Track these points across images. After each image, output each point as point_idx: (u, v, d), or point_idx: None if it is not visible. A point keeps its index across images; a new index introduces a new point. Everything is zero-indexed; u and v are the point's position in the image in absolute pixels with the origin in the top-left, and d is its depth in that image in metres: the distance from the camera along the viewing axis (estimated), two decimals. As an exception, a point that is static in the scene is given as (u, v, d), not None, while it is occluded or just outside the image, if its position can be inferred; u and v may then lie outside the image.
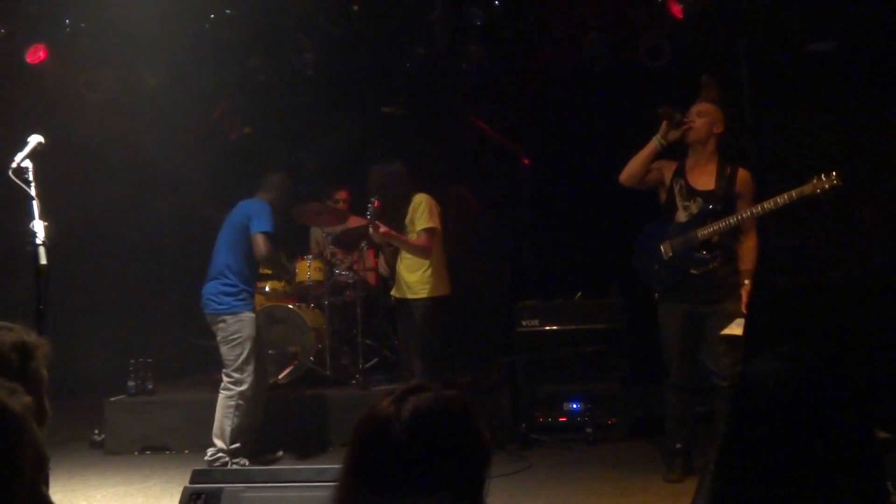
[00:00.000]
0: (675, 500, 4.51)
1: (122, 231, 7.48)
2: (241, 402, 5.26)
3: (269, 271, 6.39)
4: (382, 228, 5.17)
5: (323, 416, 5.91)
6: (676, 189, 4.83)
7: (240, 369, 5.29)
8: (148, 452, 5.92)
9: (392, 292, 5.52)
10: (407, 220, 5.34)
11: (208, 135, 7.08)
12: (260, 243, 5.37)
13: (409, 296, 5.34)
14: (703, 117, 4.78)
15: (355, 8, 6.78)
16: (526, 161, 7.14)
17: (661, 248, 4.80)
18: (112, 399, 6.10)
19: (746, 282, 4.58)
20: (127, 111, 6.80)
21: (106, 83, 6.65)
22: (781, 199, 4.35)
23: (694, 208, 4.73)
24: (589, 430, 5.72)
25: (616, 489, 4.80)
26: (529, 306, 6.06)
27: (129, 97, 6.79)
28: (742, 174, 4.73)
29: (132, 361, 6.19)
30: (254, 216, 5.44)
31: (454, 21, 6.94)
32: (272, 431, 5.77)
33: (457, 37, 7.02)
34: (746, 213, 4.50)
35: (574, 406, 5.84)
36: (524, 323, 5.99)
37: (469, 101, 6.96)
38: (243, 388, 5.27)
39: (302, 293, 6.66)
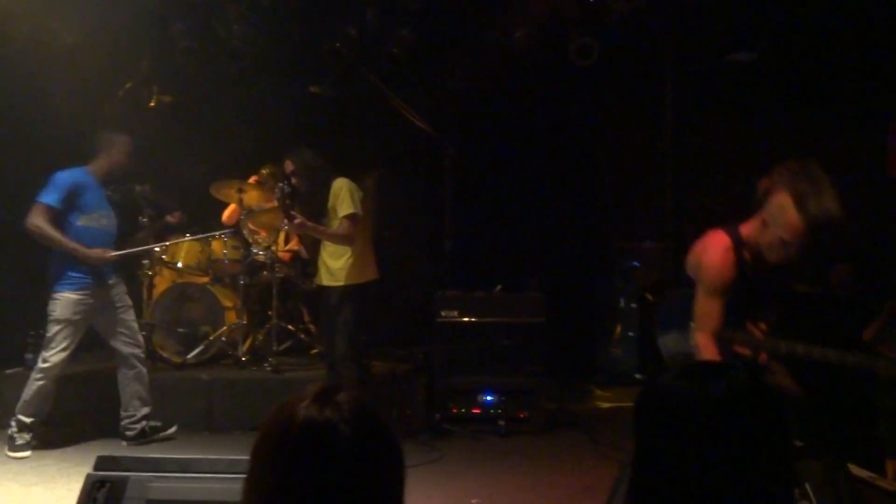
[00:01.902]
0: (584, 495, 4.59)
1: (23, 197, 7.09)
2: (42, 381, 5.10)
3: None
4: (298, 220, 5.08)
5: (233, 399, 5.77)
6: None
7: (46, 347, 5.10)
8: (44, 428, 5.64)
9: (315, 279, 5.44)
10: (329, 206, 5.25)
11: (125, 101, 6.77)
12: (30, 213, 5.05)
13: (332, 283, 5.27)
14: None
15: (287, -20, 6.61)
16: (450, 150, 7.11)
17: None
18: (8, 371, 5.81)
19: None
20: (37, 70, 6.43)
21: (15, 36, 6.27)
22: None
23: None
24: (501, 422, 5.77)
25: (525, 482, 4.86)
26: (449, 297, 6.06)
27: (40, 54, 6.43)
28: None
29: (31, 333, 5.89)
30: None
31: (388, 4, 6.86)
32: (178, 410, 5.61)
33: (389, 20, 6.93)
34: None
35: (488, 398, 5.88)
36: (443, 313, 5.99)
37: (397, 87, 6.88)
38: (46, 366, 5.10)
39: (217, 271, 6.48)
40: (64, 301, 5.09)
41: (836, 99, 6.74)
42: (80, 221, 5.15)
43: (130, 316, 5.38)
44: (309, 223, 5.15)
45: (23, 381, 5.73)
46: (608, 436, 5.62)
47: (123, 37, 6.60)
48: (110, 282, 5.29)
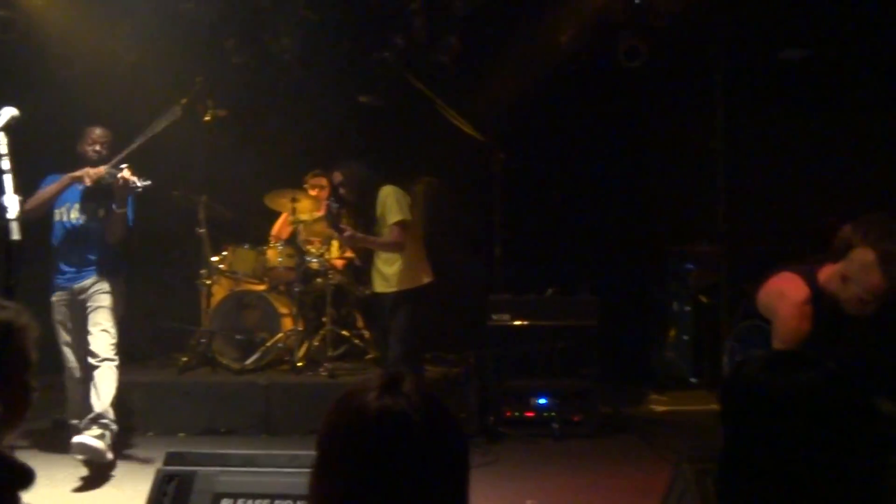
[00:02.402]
0: (639, 497, 4.56)
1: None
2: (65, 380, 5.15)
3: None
4: (348, 232, 5.17)
5: (290, 403, 5.87)
6: None
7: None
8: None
9: (370, 285, 5.51)
10: (378, 215, 5.32)
11: (181, 116, 6.96)
12: None
13: (386, 289, 5.34)
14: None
15: (334, -6, 6.75)
16: (501, 155, 7.15)
17: None
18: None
19: None
20: (100, 88, 6.68)
21: (79, 58, 6.52)
22: None
23: None
24: (556, 425, 5.76)
25: (581, 484, 4.85)
26: (501, 301, 6.08)
27: (104, 74, 6.67)
28: None
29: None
30: None
31: (434, 12, 6.94)
32: (237, 415, 5.74)
33: (435, 28, 7.01)
34: None
35: (542, 402, 5.87)
36: (495, 317, 6.00)
37: (445, 93, 6.95)
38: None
39: (272, 279, 6.61)
40: (52, 305, 5.09)
41: (893, 95, 6.60)
42: (54, 217, 5.12)
43: (98, 318, 5.02)
44: (358, 234, 5.24)
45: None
46: (663, 439, 5.56)
47: (179, 54, 6.82)
48: (86, 282, 5.06)
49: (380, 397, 1.36)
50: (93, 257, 5.10)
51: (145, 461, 5.05)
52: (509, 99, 7.21)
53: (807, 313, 3.09)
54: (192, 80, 6.86)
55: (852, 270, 3.01)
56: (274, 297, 6.47)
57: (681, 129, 7.61)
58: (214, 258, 6.51)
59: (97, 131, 5.26)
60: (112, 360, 5.00)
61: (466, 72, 7.24)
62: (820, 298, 3.10)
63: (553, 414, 5.82)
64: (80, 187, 5.09)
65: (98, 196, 5.05)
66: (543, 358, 5.89)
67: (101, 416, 4.88)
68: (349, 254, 6.93)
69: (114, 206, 4.98)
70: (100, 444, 4.77)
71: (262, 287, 6.59)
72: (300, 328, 6.40)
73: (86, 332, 5.02)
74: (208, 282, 6.47)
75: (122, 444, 5.50)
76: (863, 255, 2.99)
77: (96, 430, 4.82)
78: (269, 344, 6.28)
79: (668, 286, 7.63)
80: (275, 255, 6.50)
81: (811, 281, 3.13)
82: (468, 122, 6.79)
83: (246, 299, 6.39)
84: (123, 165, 5.02)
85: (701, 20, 6.76)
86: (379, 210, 5.31)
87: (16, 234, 3.70)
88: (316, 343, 6.50)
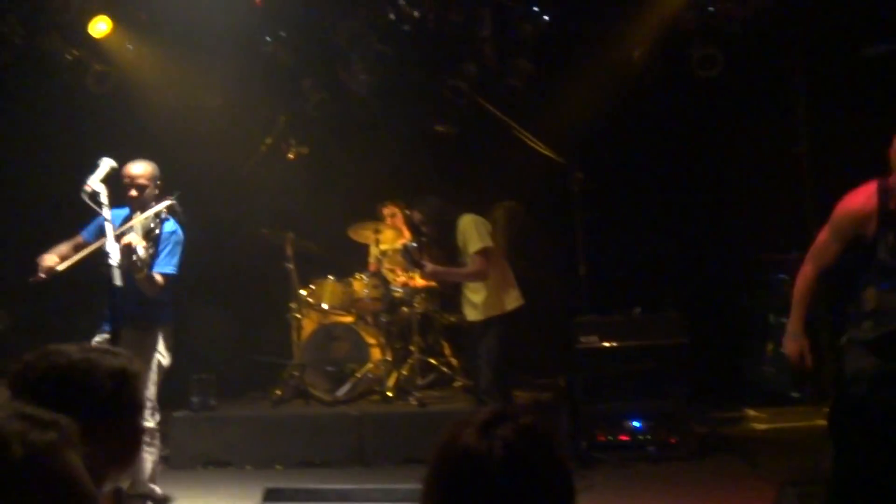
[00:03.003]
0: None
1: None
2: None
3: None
4: (429, 268, 5.20)
5: (382, 433, 5.93)
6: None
7: None
8: (210, 467, 5.99)
9: (459, 313, 5.54)
10: (459, 245, 5.33)
11: (266, 155, 7.20)
12: None
13: (475, 316, 5.36)
14: None
15: (406, 27, 6.87)
16: (579, 174, 7.11)
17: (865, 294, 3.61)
18: (176, 414, 6.20)
19: None
20: (185, 134, 6.97)
21: (167, 106, 6.84)
22: None
23: None
24: (651, 448, 5.63)
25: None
26: (588, 322, 6.00)
27: (190, 120, 6.97)
28: None
29: (195, 377, 6.28)
30: None
31: (504, 37, 6.99)
32: (330, 447, 5.83)
33: (506, 53, 7.05)
34: None
35: (635, 424, 5.74)
36: (582, 339, 5.92)
37: (519, 117, 6.97)
38: None
39: (359, 310, 6.72)
40: None
41: None
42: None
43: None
44: (440, 268, 5.26)
45: (190, 422, 6.15)
46: (765, 460, 5.37)
47: (261, 96, 7.07)
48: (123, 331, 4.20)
49: (470, 435, 1.38)
50: (128, 309, 4.30)
51: (243, 496, 5.17)
52: (585, 117, 7.17)
53: (865, 200, 3.39)
54: (275, 120, 7.11)
55: None
56: (361, 328, 6.58)
57: (763, 135, 7.40)
58: (303, 292, 6.66)
59: (128, 170, 4.59)
60: (148, 425, 4.50)
61: (540, 93, 7.24)
62: (889, 195, 3.31)
63: (648, 437, 5.69)
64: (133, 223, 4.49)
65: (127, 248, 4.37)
66: (634, 379, 5.77)
67: (146, 496, 4.61)
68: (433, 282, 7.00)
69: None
70: None
71: (349, 318, 6.71)
72: (388, 358, 6.48)
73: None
74: (298, 315, 6.62)
75: (221, 479, 5.67)
76: None
77: None
78: (358, 375, 6.37)
79: (761, 298, 7.38)
80: (360, 286, 6.61)
81: (882, 181, 3.36)
82: (544, 144, 6.78)
83: (335, 331, 6.51)
84: (130, 225, 4.41)
85: (776, 22, 6.60)
86: (460, 240, 5.33)
87: (118, 280, 3.89)
88: (405, 372, 6.56)
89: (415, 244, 5.39)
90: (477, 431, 1.39)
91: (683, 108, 7.35)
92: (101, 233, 4.33)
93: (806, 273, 3.51)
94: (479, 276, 5.28)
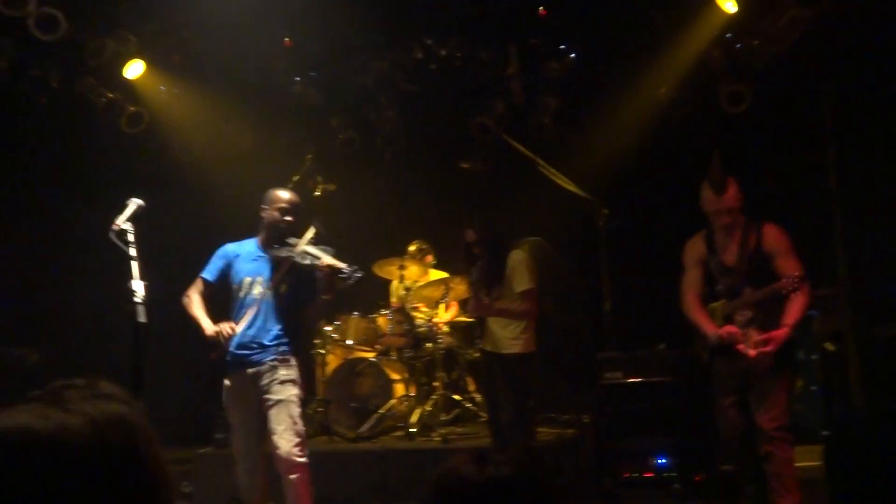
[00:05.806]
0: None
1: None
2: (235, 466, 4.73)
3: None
4: (486, 301, 5.15)
5: (405, 470, 5.90)
6: (712, 267, 4.89)
7: None
8: (234, 504, 5.99)
9: (482, 345, 5.49)
10: (506, 276, 5.22)
11: (295, 192, 7.30)
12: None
13: (501, 350, 5.28)
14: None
15: (433, 66, 6.97)
16: (605, 210, 7.11)
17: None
18: (201, 451, 6.24)
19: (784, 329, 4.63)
20: (215, 173, 7.12)
21: (198, 145, 7.00)
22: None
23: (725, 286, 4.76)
24: (677, 486, 5.53)
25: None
26: (612, 358, 5.95)
27: (220, 158, 7.12)
28: (768, 232, 4.70)
29: (219, 413, 6.30)
30: None
31: (531, 75, 7.05)
32: (353, 483, 5.81)
33: (534, 90, 7.11)
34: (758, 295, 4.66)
35: (660, 461, 5.66)
36: (607, 375, 5.87)
37: (546, 154, 7.00)
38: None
39: (383, 346, 6.74)
40: (224, 386, 4.66)
41: None
42: (235, 294, 4.62)
43: (282, 414, 4.43)
44: (494, 308, 5.18)
45: (214, 460, 6.17)
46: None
47: (289, 135, 7.21)
48: (262, 368, 4.49)
49: (469, 466, 1.42)
50: (273, 336, 4.52)
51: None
52: (611, 154, 7.18)
53: None
54: (302, 157, 7.22)
55: None
56: (385, 364, 6.59)
57: (792, 171, 7.34)
58: (327, 328, 6.71)
59: (286, 196, 4.71)
60: (303, 461, 4.57)
61: (566, 130, 7.27)
62: None
63: (673, 474, 5.60)
64: (264, 259, 4.62)
65: (282, 270, 4.57)
66: (660, 415, 5.69)
67: None
68: (459, 317, 6.98)
69: (321, 294, 4.51)
70: None
71: (373, 354, 6.72)
72: (412, 394, 6.47)
73: (264, 428, 4.48)
74: (322, 351, 6.65)
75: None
76: None
77: None
78: (382, 411, 6.37)
79: (791, 334, 7.24)
80: (385, 321, 6.64)
81: None
82: (571, 181, 6.79)
83: (358, 367, 6.53)
84: (303, 250, 4.55)
85: (804, 58, 6.57)
86: (508, 272, 5.23)
87: (142, 317, 3.95)
88: (428, 408, 6.54)
89: (477, 274, 5.26)
90: (473, 461, 1.43)
91: (710, 145, 7.31)
92: (224, 270, 4.59)
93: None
94: (529, 315, 5.22)
